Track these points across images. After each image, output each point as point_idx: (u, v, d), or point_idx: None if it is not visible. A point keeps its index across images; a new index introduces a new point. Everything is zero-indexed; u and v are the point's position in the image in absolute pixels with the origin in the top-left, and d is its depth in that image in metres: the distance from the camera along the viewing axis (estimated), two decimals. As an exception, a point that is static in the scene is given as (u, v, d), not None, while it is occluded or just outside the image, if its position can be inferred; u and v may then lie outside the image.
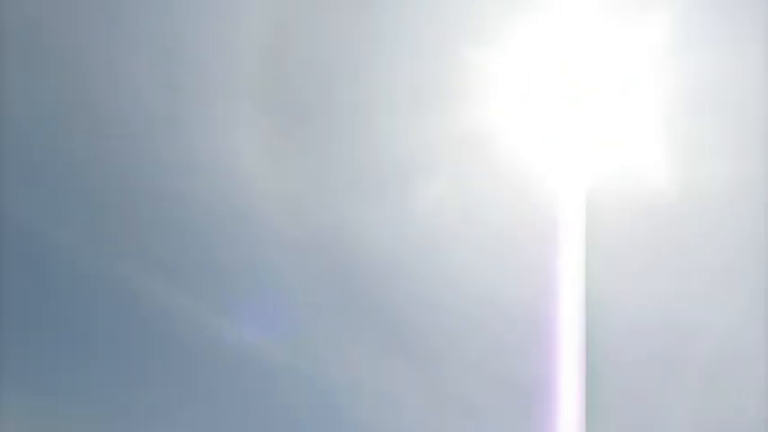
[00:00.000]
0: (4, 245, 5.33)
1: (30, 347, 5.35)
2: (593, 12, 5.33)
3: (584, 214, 5.31)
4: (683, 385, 5.17)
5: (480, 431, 5.34)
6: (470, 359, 5.39)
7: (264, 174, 5.49)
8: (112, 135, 5.47)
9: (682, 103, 5.28)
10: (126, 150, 5.48)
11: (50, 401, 5.30)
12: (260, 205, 5.48)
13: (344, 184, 5.48)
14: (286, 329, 5.48)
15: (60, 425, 5.25)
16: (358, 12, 5.42)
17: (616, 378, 5.23)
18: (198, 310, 5.47)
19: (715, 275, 5.21)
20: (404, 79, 5.45)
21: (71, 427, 5.26)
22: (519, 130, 5.44)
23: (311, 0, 5.39)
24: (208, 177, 5.48)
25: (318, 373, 5.44)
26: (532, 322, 5.33)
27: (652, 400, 5.20)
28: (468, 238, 5.41)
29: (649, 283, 5.23)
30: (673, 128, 5.29)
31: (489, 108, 5.42)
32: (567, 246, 5.27)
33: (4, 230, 5.33)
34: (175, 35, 5.46)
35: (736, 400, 5.14)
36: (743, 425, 5.09)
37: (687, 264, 5.22)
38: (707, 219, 5.22)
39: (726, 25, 5.15)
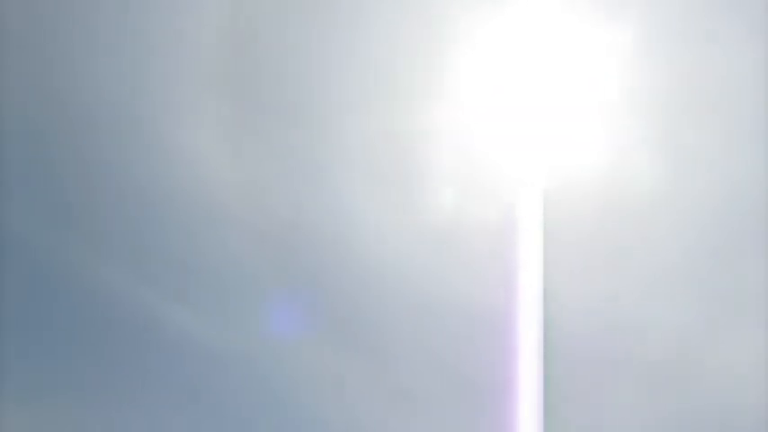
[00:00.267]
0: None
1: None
2: (561, 11, 5.27)
3: (542, 212, 5.29)
4: (631, 383, 5.19)
5: (433, 426, 5.32)
6: (425, 354, 5.40)
7: (225, 163, 5.50)
8: (75, 124, 5.48)
9: (644, 102, 5.29)
10: (88, 139, 5.49)
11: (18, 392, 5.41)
12: (220, 193, 5.48)
13: (306, 175, 5.49)
14: (242, 319, 5.47)
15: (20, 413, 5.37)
16: (324, 6, 5.43)
17: (568, 376, 5.21)
18: (155, 297, 5.45)
19: (665, 275, 5.26)
20: (367, 76, 5.46)
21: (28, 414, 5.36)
22: (480, 128, 5.45)
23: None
24: (170, 166, 5.48)
25: (272, 363, 5.44)
26: (489, 319, 5.34)
27: (601, 397, 5.21)
28: (425, 233, 5.42)
29: (603, 282, 5.28)
30: (632, 127, 5.24)
31: (451, 105, 5.43)
32: (525, 243, 5.23)
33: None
34: (140, 24, 5.47)
35: (684, 399, 5.17)
36: (691, 421, 5.10)
37: (640, 263, 5.25)
38: (661, 219, 5.17)
39: (694, 24, 5.06)
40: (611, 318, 5.32)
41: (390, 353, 5.43)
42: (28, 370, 5.42)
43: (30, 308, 5.47)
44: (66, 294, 5.49)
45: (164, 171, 5.53)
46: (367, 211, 5.49)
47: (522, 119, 5.46)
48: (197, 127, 5.53)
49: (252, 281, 5.48)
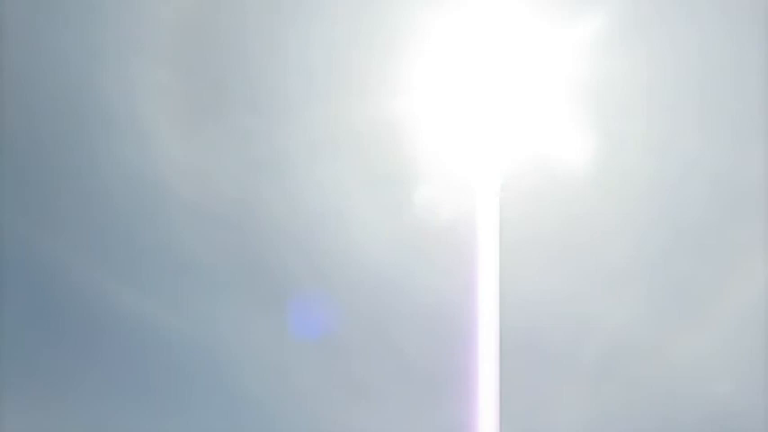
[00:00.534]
0: None
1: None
2: (517, 7, 5.33)
3: (498, 205, 5.30)
4: (579, 377, 5.29)
5: (389, 417, 5.33)
6: (381, 346, 5.40)
7: (176, 143, 5.45)
8: (21, 95, 5.36)
9: (600, 99, 5.36)
10: (33, 111, 5.39)
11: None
12: (171, 174, 5.42)
13: (262, 161, 5.45)
14: (188, 301, 5.43)
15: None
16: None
17: (522, 369, 5.28)
18: (102, 278, 5.38)
19: (614, 271, 5.34)
20: (327, 66, 5.44)
21: None
22: (434, 124, 5.46)
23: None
24: (119, 142, 5.41)
25: (223, 350, 5.40)
26: (445, 312, 5.35)
27: (553, 390, 5.31)
28: (382, 225, 5.43)
29: (554, 277, 5.34)
30: (587, 125, 5.33)
31: (406, 99, 5.43)
32: (481, 238, 5.28)
33: None
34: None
35: (630, 391, 5.26)
36: (634, 418, 5.19)
37: (590, 259, 5.34)
38: (615, 216, 5.24)
39: (654, 21, 5.16)
40: (562, 312, 5.36)
41: (343, 343, 5.42)
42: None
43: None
44: (8, 271, 5.42)
45: (115, 147, 5.48)
46: (324, 200, 5.48)
47: (481, 113, 5.48)
48: (151, 104, 5.48)
49: (201, 265, 5.45)
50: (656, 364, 5.26)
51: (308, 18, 5.43)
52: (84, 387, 5.43)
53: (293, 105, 5.47)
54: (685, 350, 5.28)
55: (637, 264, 5.30)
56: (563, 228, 5.36)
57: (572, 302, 5.34)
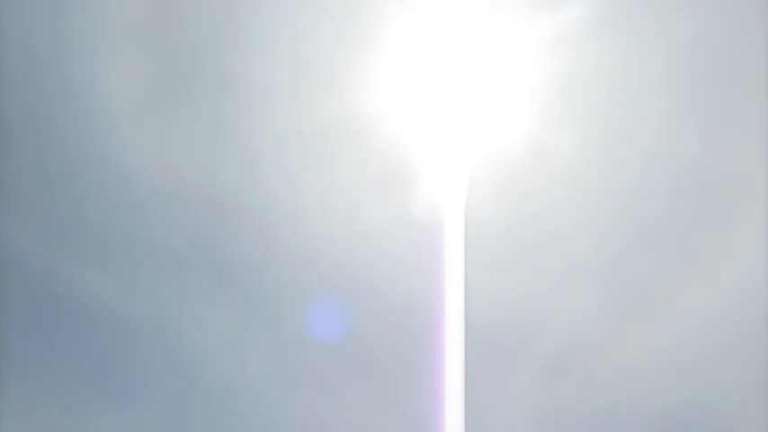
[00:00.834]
0: None
1: None
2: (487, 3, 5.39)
3: (463, 200, 5.39)
4: (538, 373, 5.34)
5: (344, 411, 5.37)
6: (338, 339, 5.42)
7: (143, 130, 5.46)
8: None
9: (564, 95, 5.42)
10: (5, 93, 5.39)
11: None
12: (136, 161, 5.43)
13: (226, 146, 5.48)
14: (153, 288, 5.42)
15: None
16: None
17: (483, 365, 5.33)
18: (64, 263, 5.36)
19: (574, 269, 5.40)
20: (292, 57, 5.48)
21: None
22: (402, 118, 5.51)
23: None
24: (85, 128, 5.41)
25: (180, 335, 5.40)
26: (408, 306, 5.37)
27: (513, 386, 5.35)
28: (344, 217, 5.46)
29: (517, 274, 5.39)
30: (553, 121, 5.37)
31: (375, 93, 5.49)
32: (446, 233, 5.34)
33: None
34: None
35: (585, 392, 5.31)
36: (590, 414, 5.28)
37: (551, 258, 5.40)
38: (577, 213, 5.34)
39: (621, 15, 5.25)
40: (523, 308, 5.41)
41: (306, 337, 5.41)
42: None
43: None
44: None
45: (80, 133, 5.42)
46: (290, 193, 5.47)
47: (448, 109, 5.50)
48: (115, 83, 5.42)
49: (166, 252, 5.41)
50: (612, 362, 5.34)
51: (279, 9, 5.42)
52: (45, 375, 5.38)
53: (262, 97, 5.47)
54: (642, 348, 5.36)
55: (598, 261, 5.36)
56: (527, 223, 5.41)
57: (534, 299, 5.38)
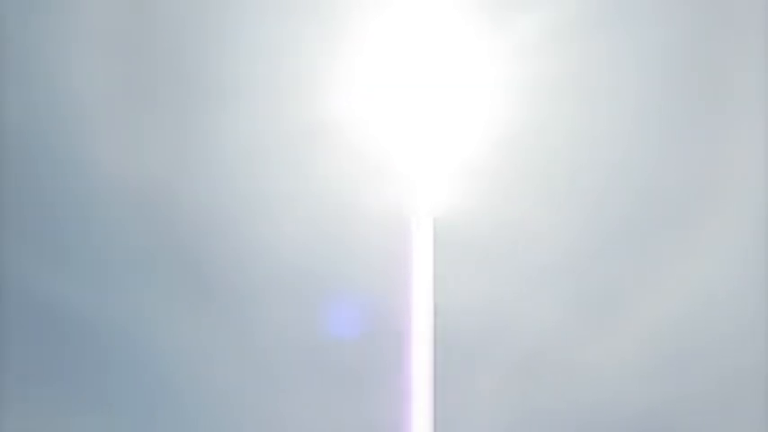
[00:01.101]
0: None
1: None
2: (457, 8, 5.40)
3: (430, 205, 5.39)
4: (507, 378, 5.34)
5: (311, 416, 5.35)
6: (304, 344, 5.40)
7: (111, 126, 5.43)
8: None
9: (531, 101, 5.41)
10: None
11: None
12: (100, 159, 5.40)
13: (192, 147, 5.45)
14: (112, 283, 5.37)
15: None
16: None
17: (453, 371, 5.33)
18: (23, 260, 5.33)
19: (542, 276, 5.40)
20: (261, 60, 5.47)
21: None
22: (368, 123, 5.51)
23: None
24: (52, 124, 5.39)
25: (142, 332, 5.37)
26: (379, 314, 5.36)
27: (483, 391, 5.34)
28: (313, 222, 5.45)
29: (485, 280, 5.38)
30: (520, 126, 5.40)
31: (343, 99, 5.49)
32: (416, 240, 5.35)
33: None
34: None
35: (550, 398, 5.33)
36: (557, 417, 5.30)
37: (519, 264, 5.39)
38: (543, 219, 5.35)
39: (586, 22, 5.27)
40: (491, 313, 5.41)
41: (270, 340, 5.40)
42: None
43: None
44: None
45: (47, 131, 5.39)
46: (255, 194, 5.45)
47: (416, 114, 5.50)
48: (84, 84, 5.40)
49: (129, 249, 5.38)
50: (581, 366, 5.34)
51: (251, 10, 5.42)
52: (8, 377, 5.34)
53: (233, 98, 5.46)
54: (610, 351, 5.37)
55: (567, 264, 5.37)
56: (497, 227, 5.41)
57: (503, 302, 5.39)
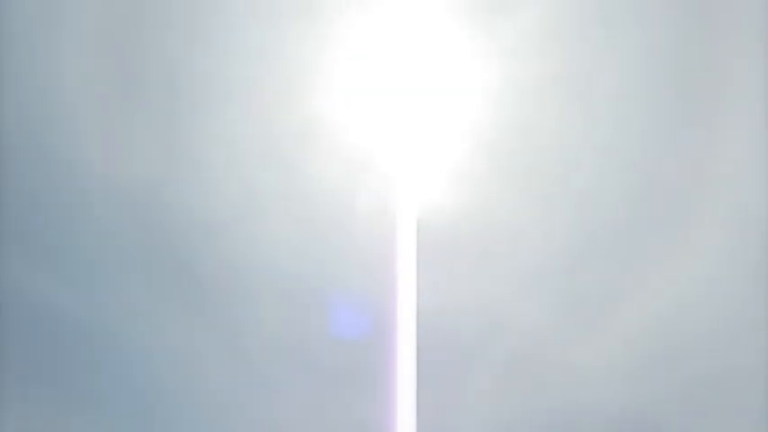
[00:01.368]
0: None
1: None
2: (444, 10, 5.40)
3: (415, 205, 5.41)
4: (494, 378, 5.33)
5: (296, 416, 5.34)
6: (289, 345, 5.40)
7: (98, 121, 5.45)
8: None
9: (515, 101, 5.42)
10: None
11: None
12: (87, 160, 5.41)
13: (176, 150, 5.45)
14: (97, 283, 5.38)
15: None
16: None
17: (438, 370, 5.32)
18: (9, 261, 5.34)
19: (530, 276, 5.40)
20: (246, 61, 5.48)
21: None
22: (354, 123, 5.51)
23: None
24: (35, 123, 5.41)
25: (122, 329, 5.37)
26: (363, 313, 5.36)
27: (460, 395, 5.32)
28: (297, 221, 5.45)
29: (473, 281, 5.37)
30: (504, 125, 5.41)
31: (329, 98, 5.50)
32: (400, 238, 5.34)
33: None
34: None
35: (536, 399, 5.32)
36: (541, 421, 5.29)
37: (506, 264, 5.38)
38: (529, 218, 5.35)
39: (570, 22, 5.25)
40: (476, 314, 5.41)
41: (255, 340, 5.42)
42: None
43: None
44: None
45: (31, 130, 5.44)
46: (243, 194, 5.48)
47: (402, 114, 5.52)
48: (67, 83, 5.45)
49: (113, 250, 5.42)
50: (567, 367, 5.33)
51: (235, 9, 5.45)
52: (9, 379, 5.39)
53: (219, 100, 5.49)
54: (596, 352, 5.35)
55: (549, 266, 5.36)
56: (482, 227, 5.41)
57: (488, 303, 5.39)
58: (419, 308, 5.33)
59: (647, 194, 5.36)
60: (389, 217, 5.41)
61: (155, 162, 5.45)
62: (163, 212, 5.42)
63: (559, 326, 5.33)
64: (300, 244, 5.43)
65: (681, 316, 5.31)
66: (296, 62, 5.45)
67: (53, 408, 5.36)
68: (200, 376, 5.37)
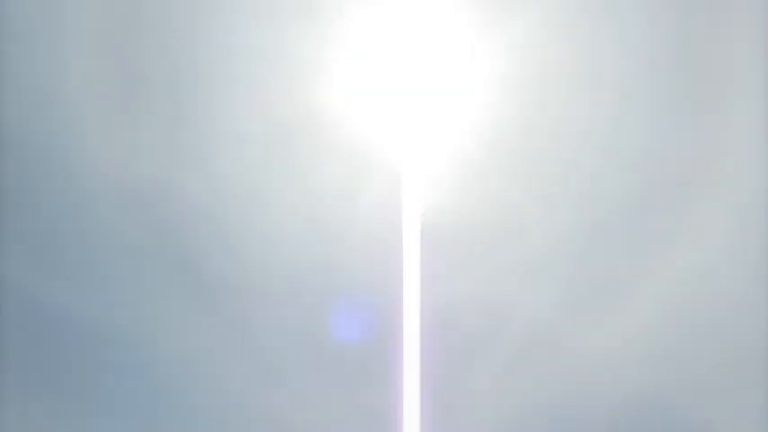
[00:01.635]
0: None
1: None
2: (447, 7, 5.46)
3: (420, 196, 5.44)
4: (498, 364, 5.36)
5: (302, 405, 5.36)
6: (294, 335, 5.41)
7: (102, 119, 5.47)
8: None
9: (518, 93, 5.46)
10: None
11: None
12: (91, 149, 5.43)
13: (183, 145, 5.47)
14: (100, 280, 5.39)
15: None
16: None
17: (444, 355, 5.33)
18: (17, 262, 5.35)
19: (533, 264, 5.43)
20: (249, 53, 5.50)
21: None
22: (360, 115, 5.54)
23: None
24: (39, 116, 5.42)
25: (129, 328, 5.39)
26: (368, 301, 5.39)
27: (467, 385, 5.35)
28: (301, 213, 5.47)
29: (478, 267, 5.39)
30: (509, 117, 5.47)
31: (333, 90, 5.53)
32: (401, 227, 5.38)
33: None
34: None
35: (543, 387, 5.37)
36: (548, 410, 5.33)
37: (512, 250, 5.40)
38: (533, 207, 5.39)
39: (575, 18, 5.33)
40: (482, 304, 5.42)
41: (262, 332, 5.42)
42: None
43: None
44: None
45: (37, 130, 5.46)
46: (248, 191, 5.50)
47: (408, 106, 5.56)
48: (70, 82, 5.47)
49: (122, 245, 5.42)
50: (574, 356, 5.35)
51: (237, 5, 5.50)
52: (4, 382, 5.35)
53: (222, 97, 5.51)
54: (603, 341, 5.37)
55: (555, 253, 5.40)
56: (487, 218, 5.45)
57: (494, 293, 5.41)
58: (423, 301, 5.34)
59: (652, 179, 5.41)
60: (393, 213, 5.43)
61: (159, 160, 5.46)
62: (167, 211, 5.43)
63: (569, 314, 5.35)
64: (306, 240, 5.45)
65: (690, 301, 5.35)
66: (300, 60, 5.49)
67: (61, 407, 5.33)
68: (207, 374, 5.36)
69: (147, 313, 5.39)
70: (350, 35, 5.51)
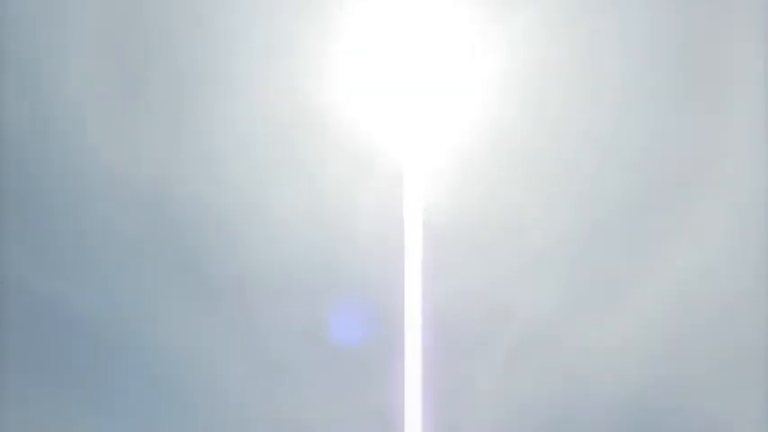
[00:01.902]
0: None
1: None
2: (449, 4, 5.47)
3: (421, 192, 5.45)
4: (496, 366, 5.35)
5: (305, 402, 5.37)
6: (296, 331, 5.43)
7: (103, 118, 5.47)
8: None
9: (519, 90, 5.47)
10: None
11: None
12: (93, 148, 5.44)
13: (185, 141, 5.47)
14: (103, 280, 5.39)
15: None
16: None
17: (446, 353, 5.33)
18: (19, 259, 5.35)
19: (534, 260, 5.44)
20: (251, 51, 5.52)
21: None
22: (361, 113, 5.54)
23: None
24: (41, 115, 5.42)
25: (131, 327, 5.39)
26: (371, 298, 5.40)
27: (468, 380, 5.37)
28: (304, 209, 5.49)
29: (480, 264, 5.40)
30: (510, 115, 5.47)
31: (335, 88, 5.53)
32: (408, 225, 5.39)
33: None
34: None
35: (545, 383, 5.37)
36: (550, 405, 5.34)
37: (513, 248, 5.41)
38: (535, 204, 5.41)
39: (576, 15, 5.33)
40: (484, 300, 5.44)
41: (265, 328, 5.43)
42: None
43: None
44: None
45: (40, 129, 5.45)
46: (250, 190, 5.50)
47: (408, 104, 5.57)
48: (73, 81, 5.46)
49: (124, 243, 5.42)
50: (576, 352, 5.38)
51: (238, 3, 5.49)
52: (3, 377, 5.35)
53: (223, 95, 5.51)
54: (604, 337, 5.40)
55: (555, 251, 5.42)
56: (488, 214, 5.46)
57: (495, 290, 5.42)
58: (424, 299, 5.36)
59: (652, 178, 5.43)
60: (395, 212, 5.44)
61: (160, 159, 5.46)
62: (169, 209, 5.44)
63: (570, 311, 5.37)
64: (308, 238, 5.46)
65: (689, 299, 5.37)
66: (301, 58, 5.50)
67: (61, 406, 5.33)
68: (209, 374, 5.37)
69: (148, 312, 5.40)
70: (351, 33, 5.51)
